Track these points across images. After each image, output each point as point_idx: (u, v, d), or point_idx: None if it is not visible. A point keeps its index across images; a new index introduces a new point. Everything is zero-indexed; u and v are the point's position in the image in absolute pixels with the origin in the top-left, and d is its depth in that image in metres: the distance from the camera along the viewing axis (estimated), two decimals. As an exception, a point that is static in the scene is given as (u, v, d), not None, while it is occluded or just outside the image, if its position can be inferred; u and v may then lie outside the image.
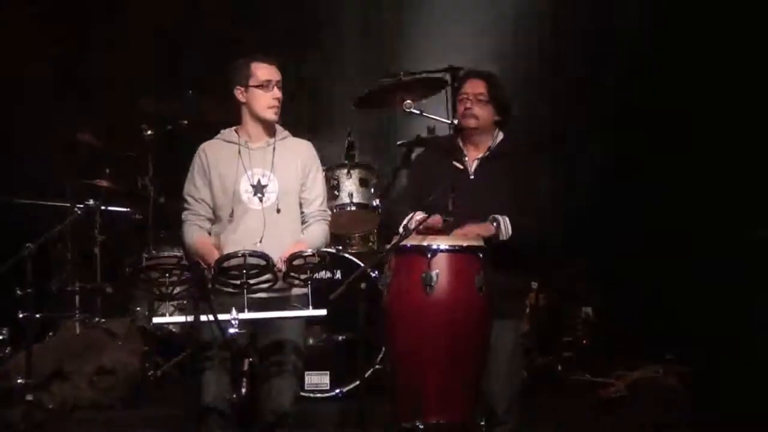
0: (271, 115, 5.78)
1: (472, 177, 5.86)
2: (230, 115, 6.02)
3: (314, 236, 5.78)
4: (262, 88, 5.75)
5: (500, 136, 5.96)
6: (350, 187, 7.47)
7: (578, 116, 8.81)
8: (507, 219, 5.69)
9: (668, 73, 8.50)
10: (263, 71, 5.76)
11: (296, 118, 6.13)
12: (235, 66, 5.81)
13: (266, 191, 5.75)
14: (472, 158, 5.91)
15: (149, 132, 7.68)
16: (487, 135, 5.94)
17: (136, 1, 8.82)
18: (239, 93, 5.80)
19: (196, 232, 5.76)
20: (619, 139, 8.72)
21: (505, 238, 5.69)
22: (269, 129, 5.83)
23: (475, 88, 5.90)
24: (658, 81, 8.53)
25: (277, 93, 5.77)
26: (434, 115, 6.81)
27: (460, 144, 5.95)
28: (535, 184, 5.90)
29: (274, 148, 5.79)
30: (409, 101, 7.38)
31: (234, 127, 5.88)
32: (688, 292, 7.93)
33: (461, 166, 5.89)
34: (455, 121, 6.03)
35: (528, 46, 8.87)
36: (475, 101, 5.87)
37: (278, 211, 5.74)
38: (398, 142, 7.71)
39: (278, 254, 5.52)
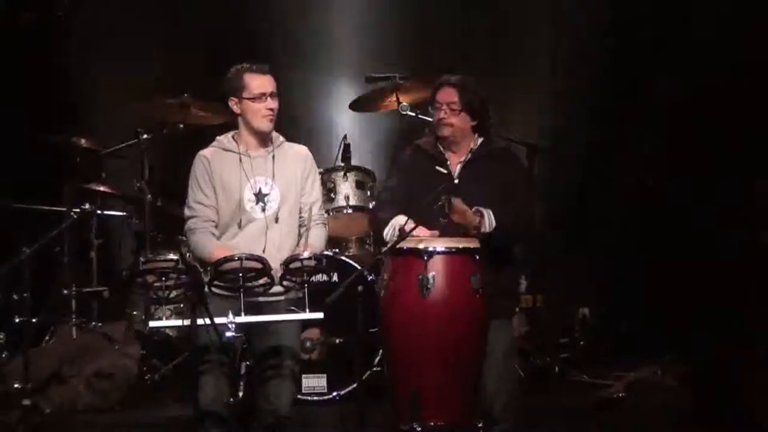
0: (266, 124, 5.76)
1: (456, 181, 5.85)
2: (226, 119, 6.02)
3: (319, 240, 5.79)
4: (256, 101, 5.74)
5: (480, 139, 5.94)
6: (346, 189, 7.47)
7: (578, 116, 8.82)
8: (491, 212, 5.69)
9: (670, 73, 8.50)
10: (256, 83, 5.74)
11: (292, 120, 6.11)
12: (229, 76, 5.79)
13: (268, 199, 5.75)
14: (455, 162, 5.91)
15: (145, 135, 7.67)
16: (467, 140, 5.93)
17: (135, 2, 8.82)
18: (233, 104, 5.78)
19: (212, 241, 5.72)
20: (619, 139, 8.73)
21: (488, 230, 5.68)
22: (266, 137, 5.82)
23: (447, 96, 5.87)
24: (659, 81, 8.53)
25: (271, 103, 5.74)
26: (429, 118, 6.81)
27: (441, 149, 5.94)
28: (519, 184, 5.88)
29: (273, 156, 5.79)
30: (405, 103, 7.41)
31: (231, 134, 5.86)
32: (686, 292, 7.92)
33: (445, 171, 5.88)
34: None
35: (525, 49, 8.87)
36: (449, 110, 5.86)
37: (276, 220, 5.73)
38: (395, 144, 7.72)
39: (279, 261, 5.52)
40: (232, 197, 5.74)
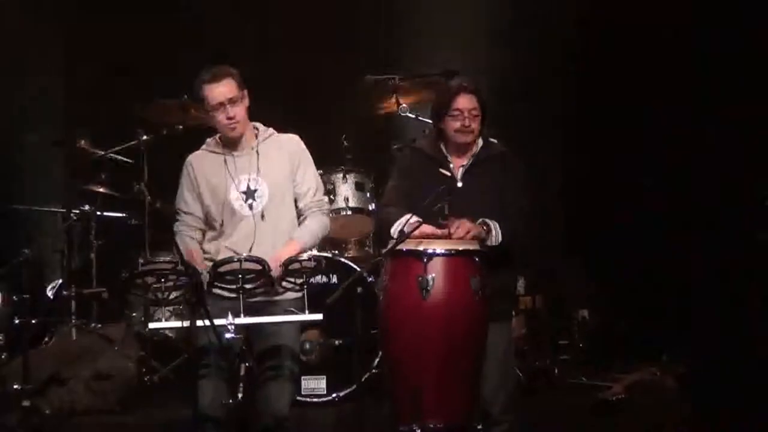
0: (229, 132, 5.77)
1: (459, 184, 5.85)
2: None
3: (308, 231, 5.78)
4: (215, 111, 5.73)
5: (480, 142, 5.95)
6: (346, 191, 7.48)
7: (577, 115, 8.82)
8: (497, 225, 5.68)
9: (667, 71, 8.50)
10: (212, 95, 5.71)
11: (291, 121, 6.10)
12: (195, 86, 5.79)
13: (256, 196, 5.75)
14: (458, 165, 5.90)
15: (145, 137, 7.68)
16: (474, 144, 5.94)
17: (135, 3, 8.82)
18: (203, 113, 5.85)
19: (186, 244, 5.76)
20: (618, 139, 8.72)
21: (494, 244, 5.68)
22: (247, 136, 5.82)
23: (468, 103, 5.84)
24: (656, 80, 8.53)
25: (229, 111, 5.71)
26: (429, 119, 6.81)
27: (445, 152, 5.93)
28: (519, 187, 5.89)
29: (257, 152, 5.79)
30: (404, 105, 7.41)
31: (218, 135, 5.88)
32: (684, 293, 7.93)
33: (448, 174, 5.88)
34: (451, 133, 5.95)
35: (522, 49, 8.86)
36: (471, 117, 5.85)
37: (263, 217, 5.73)
38: (394, 146, 7.72)
39: (271, 257, 5.52)
40: (219, 198, 5.76)
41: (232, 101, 5.72)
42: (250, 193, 5.76)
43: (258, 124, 5.88)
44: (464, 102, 5.84)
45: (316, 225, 5.82)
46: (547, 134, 8.78)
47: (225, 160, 5.78)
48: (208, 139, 5.90)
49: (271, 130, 5.87)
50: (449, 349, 5.46)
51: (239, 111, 5.74)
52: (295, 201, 5.86)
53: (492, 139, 6.00)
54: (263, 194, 5.75)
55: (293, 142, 5.89)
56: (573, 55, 8.82)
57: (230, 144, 5.82)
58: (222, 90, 5.71)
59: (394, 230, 5.77)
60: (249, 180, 5.75)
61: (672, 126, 8.40)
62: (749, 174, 8.00)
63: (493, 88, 6.06)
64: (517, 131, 7.72)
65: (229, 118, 5.72)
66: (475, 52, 8.65)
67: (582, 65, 8.80)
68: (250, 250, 5.62)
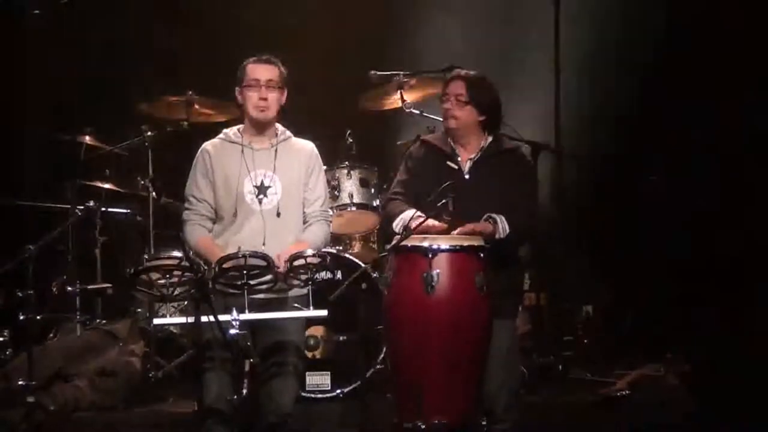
0: (257, 113, 5.79)
1: (467, 177, 5.87)
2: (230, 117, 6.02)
3: (315, 236, 5.79)
4: (251, 88, 5.77)
5: (489, 138, 5.96)
6: (350, 187, 7.48)
7: (580, 113, 8.81)
8: (503, 218, 5.70)
9: (667, 68, 8.49)
10: (253, 70, 5.80)
11: (295, 118, 6.11)
12: (239, 69, 5.85)
13: (269, 193, 5.76)
14: (465, 159, 5.93)
15: (149, 133, 7.69)
16: (475, 136, 5.95)
17: (137, 2, 8.83)
18: (238, 94, 5.84)
19: (199, 232, 5.77)
20: (620, 137, 8.72)
21: (503, 236, 5.70)
22: (269, 130, 5.83)
23: (455, 89, 5.90)
24: (657, 77, 8.53)
25: (264, 93, 5.77)
26: (434, 115, 6.82)
27: (452, 144, 5.95)
28: (527, 184, 5.90)
29: (276, 150, 5.80)
30: (409, 101, 7.42)
31: (237, 127, 5.89)
32: (688, 290, 7.93)
33: (455, 166, 5.90)
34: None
35: (524, 45, 8.87)
36: (455, 102, 5.88)
37: (278, 214, 5.74)
38: (398, 142, 7.72)
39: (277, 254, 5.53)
40: (232, 189, 5.75)
41: (269, 84, 5.78)
42: (262, 189, 5.76)
43: (277, 125, 5.89)
44: (452, 87, 5.92)
45: (322, 233, 5.86)
46: (551, 133, 8.77)
47: (243, 152, 5.79)
48: (227, 129, 5.91)
49: (289, 132, 5.89)
50: (453, 345, 5.47)
51: (273, 97, 5.79)
52: (302, 205, 5.88)
53: (503, 136, 6.01)
54: (276, 192, 5.76)
55: (309, 147, 5.92)
56: (573, 54, 8.82)
57: (252, 135, 5.82)
58: (262, 70, 5.80)
59: (396, 225, 5.80)
60: (264, 176, 5.77)
61: (675, 125, 8.41)
62: (750, 173, 8.01)
63: (497, 86, 6.05)
64: (521, 129, 7.72)
65: (262, 99, 5.76)
66: (480, 49, 8.66)
67: (581, 63, 8.80)
68: (263, 245, 5.62)
